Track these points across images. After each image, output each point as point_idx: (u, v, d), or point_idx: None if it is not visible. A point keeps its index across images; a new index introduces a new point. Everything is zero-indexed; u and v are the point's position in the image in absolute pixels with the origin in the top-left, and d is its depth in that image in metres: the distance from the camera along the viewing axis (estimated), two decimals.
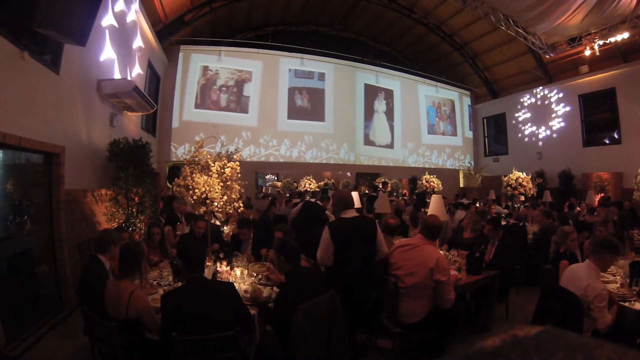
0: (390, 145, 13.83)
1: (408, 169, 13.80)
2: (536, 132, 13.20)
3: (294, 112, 12.26)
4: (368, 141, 13.45)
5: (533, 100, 13.31)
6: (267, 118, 11.84)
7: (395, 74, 14.28)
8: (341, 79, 13.04)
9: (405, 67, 14.80)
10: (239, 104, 11.62)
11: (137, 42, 7.04)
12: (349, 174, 13.27)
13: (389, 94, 14.06)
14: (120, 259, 2.47)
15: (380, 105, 13.81)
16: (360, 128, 13.32)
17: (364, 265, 2.88)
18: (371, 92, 13.67)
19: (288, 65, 12.29)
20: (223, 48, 11.63)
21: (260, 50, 12.00)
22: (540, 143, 13.04)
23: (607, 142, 11.23)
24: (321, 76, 12.78)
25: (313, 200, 6.54)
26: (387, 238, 3.83)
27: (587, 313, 2.40)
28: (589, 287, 2.42)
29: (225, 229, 5.40)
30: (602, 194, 9.79)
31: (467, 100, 16.12)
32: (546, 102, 12.83)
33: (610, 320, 2.39)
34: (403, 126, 14.11)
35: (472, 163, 15.48)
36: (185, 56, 11.06)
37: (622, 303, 2.68)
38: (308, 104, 12.54)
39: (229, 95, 11.52)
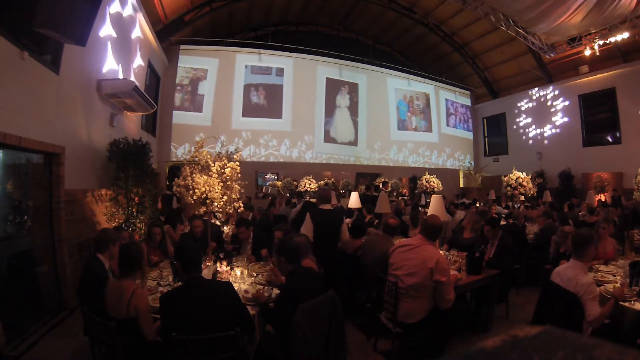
0: (354, 143, 13.02)
1: (408, 168, 13.80)
2: (536, 132, 13.20)
3: (249, 110, 11.63)
4: (329, 138, 12.63)
5: (533, 100, 13.31)
6: (221, 117, 11.24)
7: (361, 67, 13.44)
8: (301, 73, 12.32)
9: (406, 67, 14.78)
10: (193, 103, 11.23)
11: (137, 42, 7.04)
12: (344, 172, 13.27)
13: (353, 88, 13.22)
14: (120, 259, 2.47)
15: (343, 100, 12.99)
16: (320, 125, 12.51)
17: (331, 240, 4.00)
18: (333, 86, 12.86)
19: (244, 61, 11.75)
20: (221, 48, 11.62)
21: (262, 50, 11.98)
22: (540, 143, 13.04)
23: (607, 142, 11.23)
24: (279, 71, 12.10)
25: (314, 200, 6.55)
26: (387, 238, 3.84)
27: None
28: (577, 284, 2.45)
29: (225, 229, 5.40)
30: (614, 193, 9.74)
31: (444, 94, 15.29)
32: (546, 102, 12.83)
33: (599, 313, 2.38)
34: (369, 122, 13.29)
35: (472, 163, 15.48)
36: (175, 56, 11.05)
37: (622, 303, 2.68)
38: (264, 101, 11.91)
39: (184, 95, 11.16)
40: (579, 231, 2.71)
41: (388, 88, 13.97)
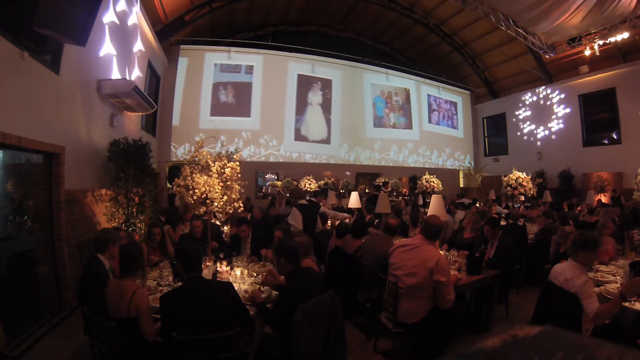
0: (326, 141, 12.53)
1: (408, 168, 13.79)
2: (536, 132, 13.20)
3: (218, 109, 11.29)
4: (299, 136, 12.18)
5: (533, 100, 13.31)
6: (189, 116, 10.97)
7: (335, 62, 12.93)
8: (271, 70, 11.93)
9: (406, 67, 14.78)
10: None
11: (137, 42, 7.03)
12: (348, 173, 13.27)
13: (326, 84, 12.71)
14: (120, 259, 2.47)
15: (315, 96, 12.47)
16: (291, 123, 12.07)
17: (311, 226, 5.04)
18: (305, 83, 12.38)
19: (213, 60, 11.49)
20: (219, 48, 11.62)
21: (261, 50, 11.99)
22: (540, 143, 13.04)
23: (607, 142, 11.23)
24: (249, 69, 11.72)
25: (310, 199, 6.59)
26: (387, 238, 3.84)
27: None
28: (574, 284, 2.45)
29: (225, 229, 5.41)
30: (614, 193, 9.73)
31: (426, 89, 14.73)
32: (546, 102, 12.83)
33: (597, 308, 2.35)
34: (342, 119, 12.81)
35: (472, 163, 15.48)
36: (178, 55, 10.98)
37: (622, 303, 2.68)
38: (233, 100, 11.54)
39: None
40: (585, 234, 2.68)
41: (364, 84, 13.43)
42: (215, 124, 10.73)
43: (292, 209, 5.16)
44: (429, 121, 14.76)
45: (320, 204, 6.16)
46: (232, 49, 11.81)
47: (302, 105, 12.33)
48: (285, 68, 12.20)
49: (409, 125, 14.24)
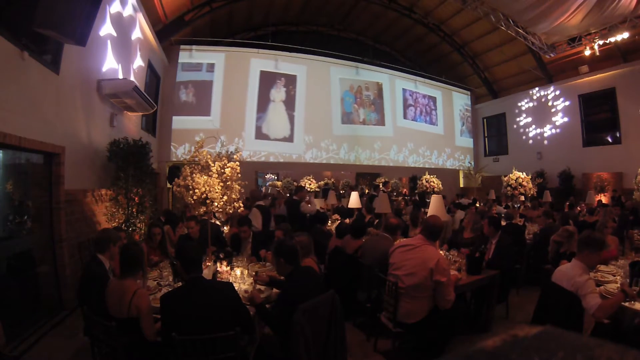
0: (289, 139, 12.01)
1: (408, 168, 13.79)
2: (536, 132, 13.20)
3: (178, 109, 10.90)
4: (260, 135, 11.68)
5: (533, 100, 13.31)
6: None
7: (300, 57, 12.39)
8: (232, 68, 11.49)
9: (406, 67, 14.77)
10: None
11: (137, 42, 7.04)
12: (343, 172, 13.24)
13: (290, 80, 12.17)
14: (120, 259, 2.47)
15: (278, 93, 11.99)
16: (252, 120, 11.61)
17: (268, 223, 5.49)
18: (268, 80, 11.90)
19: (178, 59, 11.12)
20: (220, 48, 11.61)
21: (260, 51, 11.97)
22: (540, 143, 13.05)
23: (607, 142, 11.23)
24: (210, 67, 11.30)
25: (295, 198, 6.76)
26: (388, 238, 3.84)
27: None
28: (575, 282, 2.46)
29: (226, 229, 5.41)
30: (614, 193, 9.74)
31: (401, 83, 13.93)
32: (546, 102, 12.83)
33: (599, 303, 2.35)
34: (307, 116, 12.21)
35: (472, 163, 15.48)
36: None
37: (622, 303, 2.68)
38: (193, 99, 11.15)
39: None
40: (593, 234, 2.69)
41: (331, 78, 12.76)
42: (214, 124, 10.67)
43: (252, 210, 5.35)
44: (404, 117, 14.02)
45: (305, 200, 6.55)
46: (261, 51, 11.81)
47: (264, 103, 11.84)
48: (247, 65, 11.72)
49: (380, 122, 13.45)
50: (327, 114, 12.63)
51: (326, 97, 12.68)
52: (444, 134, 15.11)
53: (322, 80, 12.70)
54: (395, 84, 13.99)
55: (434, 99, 15.08)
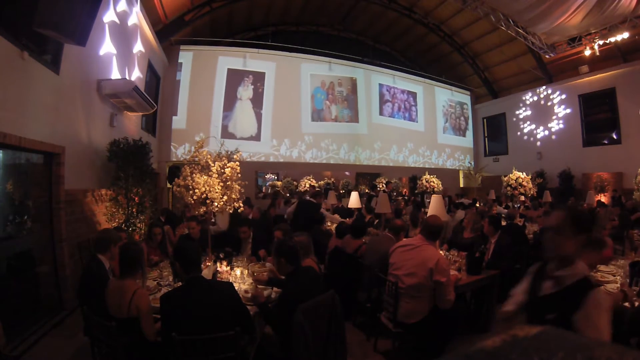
0: (256, 137, 11.67)
1: (408, 168, 13.79)
2: (536, 132, 13.20)
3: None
4: (227, 134, 11.32)
5: (533, 100, 13.31)
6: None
7: (269, 54, 12.05)
8: (199, 66, 11.26)
9: (405, 67, 14.77)
10: None
11: (137, 42, 7.03)
12: (347, 173, 13.26)
13: (258, 78, 11.84)
14: (120, 259, 2.47)
15: (245, 91, 11.67)
16: (218, 119, 11.30)
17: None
18: (235, 78, 11.58)
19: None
20: (220, 48, 11.61)
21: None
22: (540, 143, 13.05)
23: (607, 142, 11.23)
24: (178, 66, 11.11)
25: (308, 198, 6.63)
26: (390, 238, 3.83)
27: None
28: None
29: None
30: (614, 193, 9.73)
31: (378, 78, 13.46)
32: (546, 102, 12.83)
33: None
34: (275, 114, 11.88)
35: (472, 163, 15.48)
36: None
37: (622, 303, 2.68)
38: None
39: None
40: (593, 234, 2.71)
41: (302, 75, 12.34)
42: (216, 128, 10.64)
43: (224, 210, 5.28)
44: (380, 113, 13.48)
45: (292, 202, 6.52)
46: (261, 51, 11.72)
47: (230, 101, 11.54)
48: (214, 63, 11.47)
49: (354, 118, 12.97)
50: (296, 111, 12.22)
51: (296, 94, 12.28)
52: (424, 130, 14.56)
53: (292, 76, 12.29)
54: (371, 79, 13.46)
55: (414, 95, 14.50)
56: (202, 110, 11.21)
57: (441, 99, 15.24)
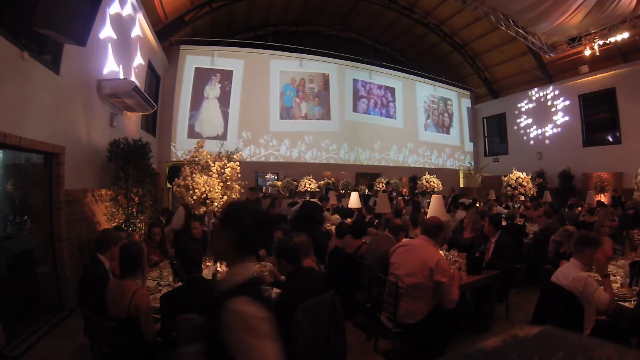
0: (222, 136, 11.26)
1: (408, 168, 13.79)
2: (536, 132, 13.20)
3: None
4: (193, 133, 11.04)
5: (533, 100, 13.32)
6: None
7: (238, 51, 11.77)
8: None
9: (405, 67, 14.76)
10: None
11: (137, 42, 7.04)
12: (343, 172, 13.23)
13: (226, 76, 11.52)
14: (120, 259, 2.47)
15: (212, 90, 11.36)
16: (184, 119, 11.03)
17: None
18: (202, 77, 11.28)
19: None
20: (222, 48, 11.61)
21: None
22: (541, 143, 13.05)
23: (607, 142, 11.23)
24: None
25: (314, 199, 6.61)
26: (390, 238, 3.83)
27: (585, 305, 2.43)
28: (574, 280, 2.47)
29: None
30: (614, 193, 9.74)
31: (352, 73, 12.99)
32: (546, 102, 12.83)
33: (609, 297, 2.41)
34: (242, 112, 11.56)
35: (472, 163, 15.48)
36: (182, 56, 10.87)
37: (622, 303, 2.69)
38: None
39: None
40: (586, 232, 2.73)
41: (270, 72, 12.01)
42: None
43: (178, 208, 5.08)
44: (354, 110, 12.99)
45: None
46: (261, 51, 11.65)
47: (197, 101, 11.27)
48: (182, 63, 11.20)
49: (325, 116, 12.49)
50: (264, 109, 11.87)
51: (264, 91, 11.93)
52: (403, 127, 13.99)
53: (261, 74, 11.92)
54: (345, 75, 13.00)
55: (391, 90, 13.86)
56: (169, 110, 10.88)
57: (422, 95, 14.68)
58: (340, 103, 12.80)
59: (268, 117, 11.89)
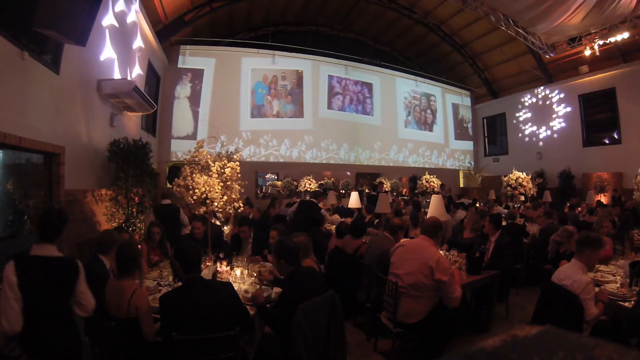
0: (192, 136, 11.05)
1: (408, 168, 13.80)
2: (536, 132, 13.21)
3: None
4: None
5: (533, 100, 13.32)
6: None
7: (209, 50, 11.51)
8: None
9: (405, 67, 14.76)
10: None
11: (137, 42, 7.03)
12: (348, 173, 13.25)
13: (197, 75, 11.33)
14: (117, 259, 2.46)
15: (183, 90, 11.16)
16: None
17: (172, 227, 4.78)
18: (173, 77, 11.08)
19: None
20: (222, 48, 11.62)
21: (261, 50, 11.95)
22: (541, 143, 13.05)
23: (607, 142, 11.24)
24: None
25: (312, 199, 6.60)
26: (389, 238, 3.83)
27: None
28: (574, 282, 2.47)
29: (226, 229, 5.40)
30: (614, 193, 9.74)
31: (327, 69, 12.64)
32: (546, 102, 12.84)
33: (596, 314, 2.45)
34: (212, 112, 11.33)
35: (472, 163, 15.48)
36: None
37: (622, 303, 2.69)
38: None
39: None
40: (589, 233, 2.73)
41: (242, 70, 11.78)
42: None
43: (151, 209, 5.18)
44: (329, 107, 12.63)
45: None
46: (261, 51, 11.62)
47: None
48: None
49: (298, 113, 12.21)
50: (235, 108, 11.64)
51: (235, 90, 11.69)
52: (381, 124, 13.56)
53: (232, 72, 11.68)
54: (320, 71, 12.64)
55: (369, 86, 13.44)
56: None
57: (403, 90, 14.17)
58: (314, 100, 12.44)
59: (239, 116, 11.66)
